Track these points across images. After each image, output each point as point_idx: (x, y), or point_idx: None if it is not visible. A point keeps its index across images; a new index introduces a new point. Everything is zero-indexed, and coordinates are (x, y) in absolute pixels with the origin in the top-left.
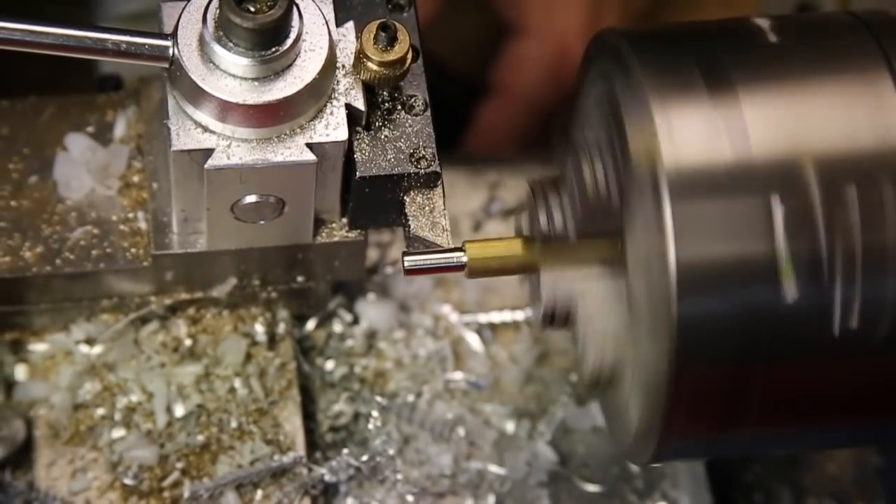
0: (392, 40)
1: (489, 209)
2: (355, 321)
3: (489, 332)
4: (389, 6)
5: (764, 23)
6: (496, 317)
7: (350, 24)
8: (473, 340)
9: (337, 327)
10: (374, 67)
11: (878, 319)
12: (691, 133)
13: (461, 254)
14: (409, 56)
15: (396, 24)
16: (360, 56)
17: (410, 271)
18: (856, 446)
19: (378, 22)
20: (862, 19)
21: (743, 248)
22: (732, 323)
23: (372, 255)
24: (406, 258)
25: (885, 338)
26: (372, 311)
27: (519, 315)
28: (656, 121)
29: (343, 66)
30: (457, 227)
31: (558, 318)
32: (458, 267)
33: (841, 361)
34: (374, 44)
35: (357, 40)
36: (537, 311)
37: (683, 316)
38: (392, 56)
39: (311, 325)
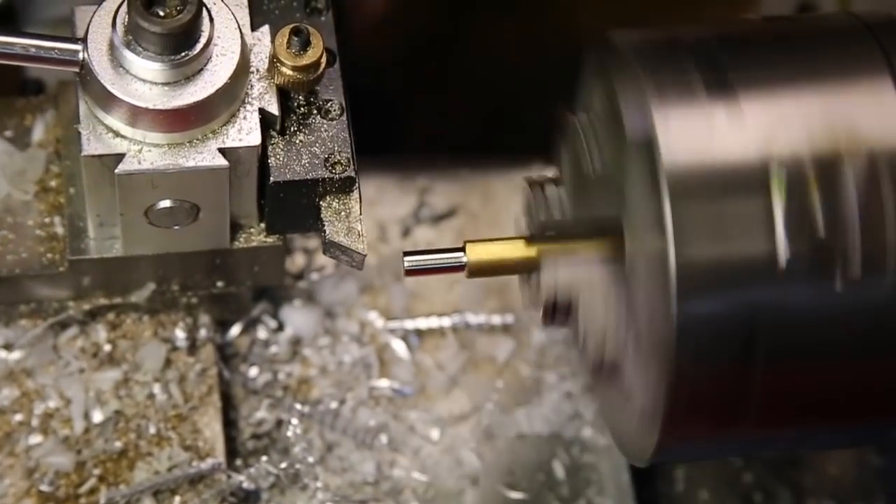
0: (305, 44)
1: (419, 215)
2: (280, 328)
3: (415, 338)
4: (307, 10)
5: (764, 23)
6: (422, 323)
7: (265, 28)
8: (399, 347)
9: (261, 334)
10: (288, 72)
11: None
12: (691, 133)
13: (461, 254)
14: (324, 60)
15: (309, 28)
16: (274, 60)
17: (410, 272)
18: (857, 446)
19: (291, 26)
20: (862, 19)
21: (743, 248)
22: (732, 323)
23: (299, 260)
24: (406, 258)
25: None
26: (297, 317)
27: (446, 321)
28: (656, 121)
29: (257, 71)
30: (385, 233)
31: (559, 310)
32: (458, 267)
33: (840, 360)
34: (288, 48)
35: (271, 44)
36: (537, 309)
37: (683, 316)
38: (305, 60)
39: (234, 331)
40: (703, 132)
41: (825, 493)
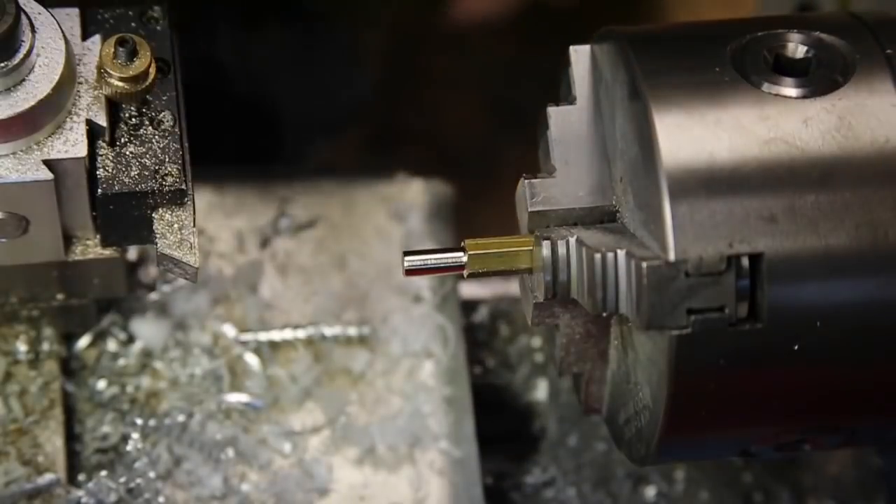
0: (132, 55)
1: (278, 225)
2: (130, 340)
3: (269, 350)
4: (143, 20)
5: (765, 22)
6: (276, 335)
7: (96, 38)
8: (252, 359)
9: (110, 346)
10: (116, 83)
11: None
12: (691, 132)
13: (461, 254)
14: (153, 71)
15: (136, 38)
16: (101, 71)
17: (410, 272)
18: (857, 446)
19: (117, 36)
20: (862, 19)
21: (742, 249)
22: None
23: (152, 271)
24: (406, 258)
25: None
26: (147, 329)
27: (300, 333)
28: (655, 120)
29: (86, 81)
30: (243, 243)
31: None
32: (458, 267)
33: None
34: (114, 58)
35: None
36: (529, 310)
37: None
38: (133, 71)
39: (82, 342)
40: (704, 131)
41: (825, 493)
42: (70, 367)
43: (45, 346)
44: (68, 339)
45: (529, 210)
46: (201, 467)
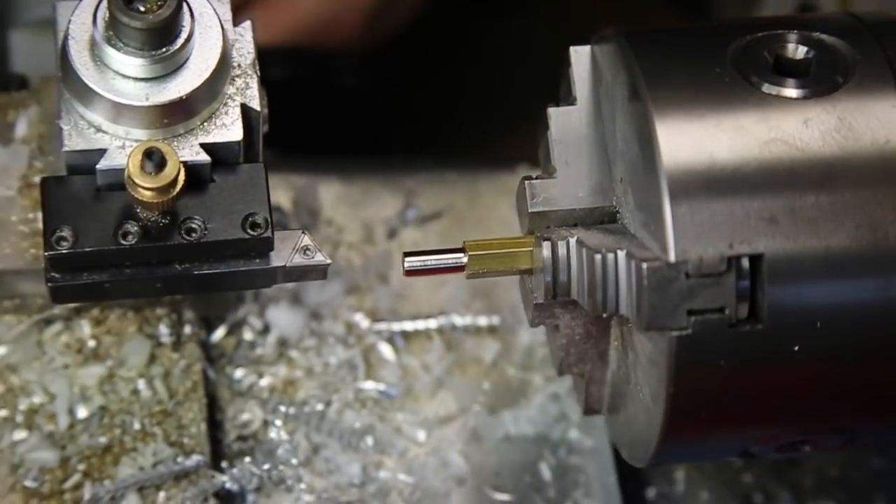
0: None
1: (405, 216)
2: (266, 329)
3: (401, 340)
4: None
5: (766, 22)
6: (409, 325)
7: (247, 24)
8: (385, 349)
9: (247, 335)
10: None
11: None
12: (691, 133)
13: (461, 254)
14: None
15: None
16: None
17: (411, 272)
18: (857, 448)
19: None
20: (862, 19)
21: (742, 249)
22: (731, 323)
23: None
24: (406, 259)
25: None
26: (283, 318)
27: (432, 323)
28: (655, 121)
29: (239, 66)
30: (371, 234)
31: (558, 306)
32: (459, 268)
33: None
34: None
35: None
36: (529, 310)
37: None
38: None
39: (220, 332)
40: (704, 131)
41: (825, 494)
42: (209, 356)
43: (187, 329)
44: (206, 323)
45: (530, 211)
46: (340, 455)
